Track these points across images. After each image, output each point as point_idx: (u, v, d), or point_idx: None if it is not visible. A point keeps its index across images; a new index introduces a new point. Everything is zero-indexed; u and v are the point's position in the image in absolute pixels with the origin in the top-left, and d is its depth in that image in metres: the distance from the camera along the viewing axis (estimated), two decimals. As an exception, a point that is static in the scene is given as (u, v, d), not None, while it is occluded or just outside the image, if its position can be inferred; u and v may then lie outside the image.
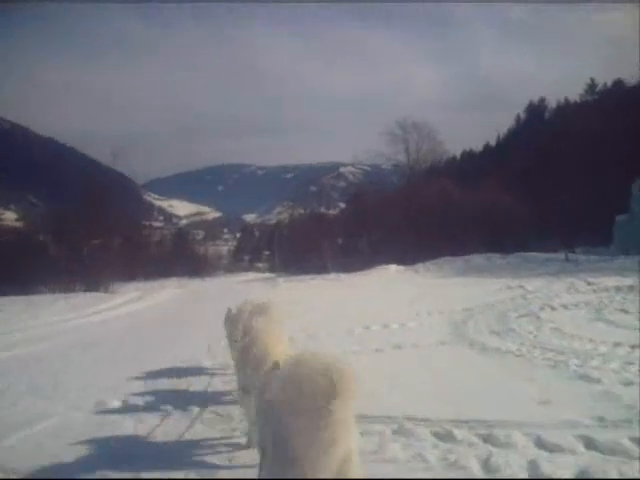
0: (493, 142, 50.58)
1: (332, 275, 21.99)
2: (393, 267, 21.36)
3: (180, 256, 40.83)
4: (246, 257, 67.86)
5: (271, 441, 1.92)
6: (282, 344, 3.18)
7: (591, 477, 3.02)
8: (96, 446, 3.99)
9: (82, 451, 3.89)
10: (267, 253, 74.59)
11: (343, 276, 21.05)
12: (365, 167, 33.09)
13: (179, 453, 3.79)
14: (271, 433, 1.93)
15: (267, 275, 32.62)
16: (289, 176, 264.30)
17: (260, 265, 56.64)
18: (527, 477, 3.11)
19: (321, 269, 24.95)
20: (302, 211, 36.86)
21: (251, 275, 35.64)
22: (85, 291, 19.60)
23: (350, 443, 1.87)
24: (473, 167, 40.98)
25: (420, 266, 21.00)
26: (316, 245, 27.94)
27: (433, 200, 26.06)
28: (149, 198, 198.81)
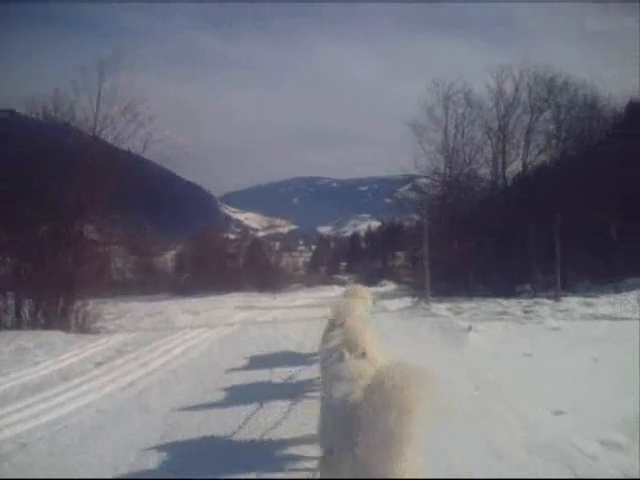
0: None
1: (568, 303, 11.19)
2: None
3: (252, 267, 35.98)
4: (322, 268, 63.88)
5: (342, 443, 1.97)
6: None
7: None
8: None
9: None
10: (344, 264, 69.69)
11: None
12: (439, 179, 24.31)
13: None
14: (344, 435, 1.96)
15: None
16: (363, 188, 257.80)
17: (340, 277, 50.62)
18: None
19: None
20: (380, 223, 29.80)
21: (336, 290, 27.33)
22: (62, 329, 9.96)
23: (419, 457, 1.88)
24: None
25: None
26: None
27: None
28: (226, 211, 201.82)
